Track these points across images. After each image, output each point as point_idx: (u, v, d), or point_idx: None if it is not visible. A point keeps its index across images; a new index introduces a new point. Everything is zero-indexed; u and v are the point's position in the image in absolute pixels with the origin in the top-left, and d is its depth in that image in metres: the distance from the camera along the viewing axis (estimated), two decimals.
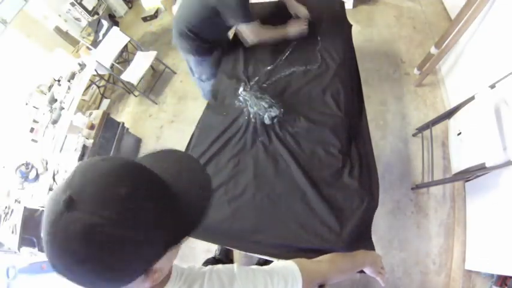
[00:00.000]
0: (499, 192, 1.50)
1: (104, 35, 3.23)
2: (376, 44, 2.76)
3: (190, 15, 1.68)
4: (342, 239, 1.14)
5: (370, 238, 1.20)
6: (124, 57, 3.49)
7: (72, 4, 3.71)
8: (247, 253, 1.38)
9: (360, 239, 1.18)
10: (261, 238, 1.24)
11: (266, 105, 1.53)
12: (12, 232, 2.18)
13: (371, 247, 1.17)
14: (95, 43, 3.28)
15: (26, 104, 2.76)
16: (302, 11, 1.81)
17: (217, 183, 1.44)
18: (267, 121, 1.50)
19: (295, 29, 1.74)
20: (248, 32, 1.68)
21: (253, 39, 1.71)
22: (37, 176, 2.29)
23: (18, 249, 2.17)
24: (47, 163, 2.34)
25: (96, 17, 3.84)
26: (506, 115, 1.30)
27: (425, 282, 1.72)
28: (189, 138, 1.73)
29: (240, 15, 1.56)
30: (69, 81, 2.74)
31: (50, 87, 2.81)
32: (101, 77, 3.38)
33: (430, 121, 1.92)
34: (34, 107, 2.71)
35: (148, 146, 2.92)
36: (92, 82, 3.34)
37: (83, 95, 2.90)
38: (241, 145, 1.51)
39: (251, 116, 1.56)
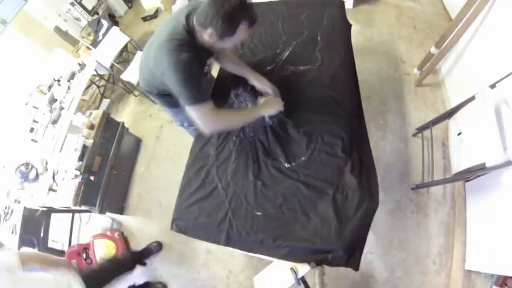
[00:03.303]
0: (499, 192, 1.49)
1: (104, 34, 3.23)
2: (376, 44, 2.76)
3: (148, 80, 1.39)
4: (342, 239, 1.14)
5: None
6: (124, 57, 3.49)
7: (72, 4, 3.71)
8: (248, 253, 1.38)
9: (360, 239, 1.19)
10: (262, 238, 1.24)
11: None
12: (12, 232, 2.18)
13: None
14: (95, 43, 3.28)
15: (26, 104, 2.76)
16: (269, 86, 1.50)
17: (217, 183, 1.44)
18: (267, 121, 1.50)
19: (271, 109, 1.42)
20: (195, 118, 1.24)
21: (204, 127, 1.27)
22: (37, 176, 2.29)
23: (18, 249, 2.17)
24: (46, 163, 2.34)
25: (96, 16, 3.84)
26: (507, 115, 1.30)
27: (425, 282, 1.72)
28: (189, 138, 1.73)
29: (183, 95, 1.16)
30: (69, 81, 2.73)
31: (50, 87, 2.81)
32: (101, 77, 3.37)
33: (430, 121, 1.92)
34: (34, 107, 2.71)
35: (148, 146, 2.92)
36: (91, 82, 3.34)
37: (82, 95, 2.90)
38: (241, 145, 1.51)
39: None
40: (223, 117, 1.35)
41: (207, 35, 1.14)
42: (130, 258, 2.07)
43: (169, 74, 1.13)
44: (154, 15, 4.11)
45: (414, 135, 2.16)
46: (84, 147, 2.30)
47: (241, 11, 1.08)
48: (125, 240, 2.42)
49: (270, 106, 1.42)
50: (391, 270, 1.78)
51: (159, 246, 2.30)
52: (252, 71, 1.56)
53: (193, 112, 1.22)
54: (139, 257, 2.19)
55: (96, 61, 2.87)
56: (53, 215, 2.41)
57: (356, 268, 1.15)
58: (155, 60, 1.19)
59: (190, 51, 1.14)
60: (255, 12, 1.13)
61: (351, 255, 1.15)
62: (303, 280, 1.22)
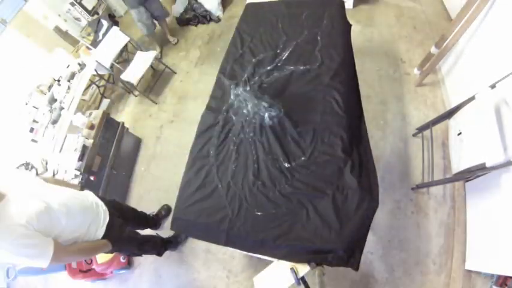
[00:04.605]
0: (499, 192, 1.49)
1: (104, 34, 3.23)
2: (376, 44, 2.76)
3: None
4: (342, 239, 1.14)
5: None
6: (124, 57, 3.49)
7: (72, 4, 3.70)
8: (248, 253, 1.38)
9: (360, 239, 1.19)
10: (262, 238, 1.24)
11: (266, 105, 1.53)
12: None
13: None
14: (95, 43, 3.28)
15: (26, 104, 2.76)
16: None
17: (217, 183, 1.44)
18: (267, 121, 1.50)
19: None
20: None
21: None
22: (37, 176, 2.28)
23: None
24: (47, 163, 2.34)
25: (95, 16, 3.84)
26: (507, 115, 1.30)
27: (425, 282, 1.72)
28: (189, 138, 1.73)
29: None
30: (69, 81, 2.73)
31: (50, 87, 2.80)
32: (101, 77, 3.37)
33: (430, 121, 1.92)
34: (34, 107, 2.71)
35: (148, 146, 2.92)
36: (91, 82, 3.33)
37: (82, 95, 2.89)
38: (241, 146, 1.51)
39: (251, 116, 1.56)
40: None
41: None
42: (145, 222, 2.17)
43: None
44: None
45: (414, 135, 2.16)
46: (84, 147, 2.30)
47: None
48: None
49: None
50: (391, 270, 1.78)
51: (168, 210, 2.36)
52: None
53: None
54: (155, 222, 2.28)
55: (96, 61, 2.87)
56: None
57: (356, 268, 1.15)
58: None
59: None
60: None
61: (351, 255, 1.15)
62: (303, 280, 1.22)
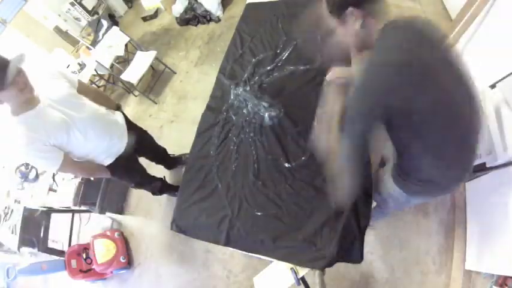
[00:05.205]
0: (499, 192, 1.49)
1: (104, 34, 3.23)
2: None
3: None
4: (342, 239, 1.14)
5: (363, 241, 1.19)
6: (124, 57, 3.49)
7: (72, 4, 3.71)
8: (248, 253, 1.38)
9: (361, 233, 1.18)
10: (262, 238, 1.24)
11: (266, 105, 1.53)
12: (12, 232, 2.18)
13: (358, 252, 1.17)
14: (95, 43, 3.28)
15: None
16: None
17: (217, 183, 1.44)
18: (267, 121, 1.50)
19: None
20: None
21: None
22: (37, 176, 2.29)
23: (18, 250, 2.17)
24: None
25: (96, 16, 3.84)
26: (507, 115, 1.30)
27: (425, 282, 1.72)
28: (189, 138, 1.73)
29: None
30: None
31: None
32: (101, 76, 3.37)
33: None
34: None
35: None
36: (91, 82, 3.33)
37: None
38: (241, 146, 1.51)
39: (251, 116, 1.56)
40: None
41: None
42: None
43: None
44: (154, 15, 4.11)
45: None
46: None
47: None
48: (124, 240, 2.42)
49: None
50: (391, 270, 1.78)
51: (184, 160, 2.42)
52: None
53: None
54: (172, 162, 2.40)
55: (96, 61, 2.87)
56: (53, 215, 2.41)
57: (359, 261, 1.15)
58: None
59: None
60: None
61: (352, 252, 1.15)
62: (303, 280, 1.22)
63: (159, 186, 2.11)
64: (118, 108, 1.71)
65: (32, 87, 1.16)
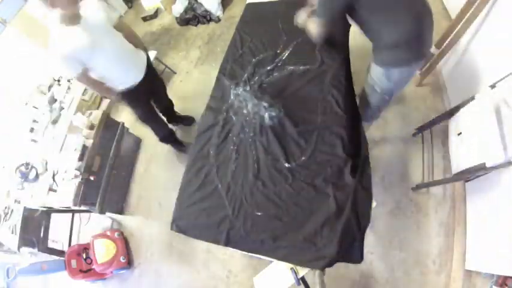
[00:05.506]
0: (499, 192, 1.49)
1: None
2: None
3: None
4: (342, 238, 1.14)
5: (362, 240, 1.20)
6: None
7: None
8: (248, 253, 1.38)
9: (361, 232, 1.18)
10: (262, 238, 1.24)
11: (266, 105, 1.53)
12: (12, 232, 2.18)
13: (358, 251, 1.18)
14: None
15: (26, 104, 2.76)
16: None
17: (217, 183, 1.44)
18: (267, 121, 1.50)
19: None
20: None
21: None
22: (37, 176, 2.29)
23: (18, 249, 2.17)
24: (46, 163, 2.34)
25: None
26: (507, 115, 1.30)
27: (425, 282, 1.72)
28: (189, 138, 1.73)
29: None
30: (69, 81, 2.74)
31: (50, 87, 2.81)
32: None
33: (430, 121, 1.92)
34: (34, 107, 2.71)
35: (148, 146, 2.92)
36: None
37: (82, 95, 2.90)
38: (241, 146, 1.51)
39: (251, 116, 1.56)
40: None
41: None
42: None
43: None
44: (154, 15, 4.11)
45: (414, 135, 2.16)
46: (84, 147, 2.30)
47: None
48: (124, 240, 2.42)
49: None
50: (391, 270, 1.78)
51: (191, 121, 2.69)
52: None
53: None
54: (176, 118, 2.63)
55: None
56: (53, 215, 2.41)
57: (359, 261, 1.15)
58: None
59: None
60: None
61: (352, 252, 1.15)
62: (303, 280, 1.22)
63: (164, 132, 2.37)
64: (145, 50, 1.96)
65: (80, 6, 1.44)
